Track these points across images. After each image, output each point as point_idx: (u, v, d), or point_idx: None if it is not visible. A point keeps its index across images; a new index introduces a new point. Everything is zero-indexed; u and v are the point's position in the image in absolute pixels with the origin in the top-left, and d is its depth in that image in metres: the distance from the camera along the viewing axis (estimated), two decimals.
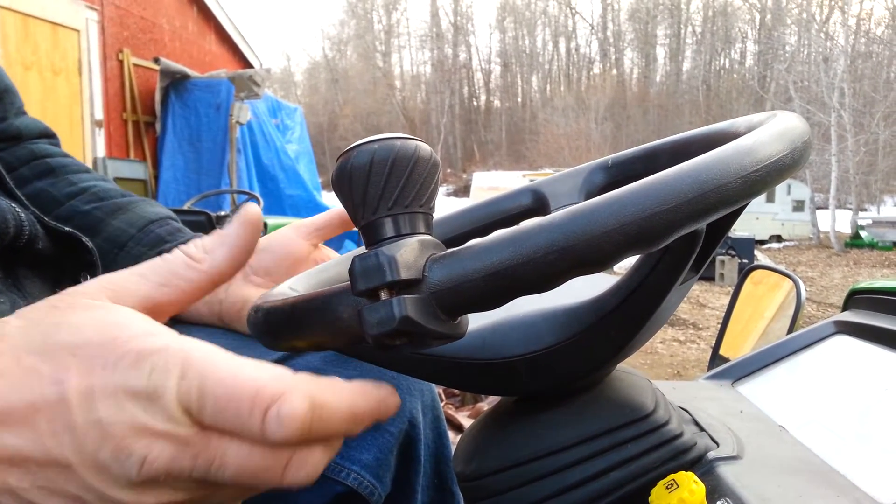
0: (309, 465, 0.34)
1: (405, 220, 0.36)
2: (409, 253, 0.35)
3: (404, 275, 0.34)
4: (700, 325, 6.83)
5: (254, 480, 0.33)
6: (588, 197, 0.57)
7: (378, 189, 0.36)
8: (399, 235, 0.36)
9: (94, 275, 0.69)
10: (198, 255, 0.38)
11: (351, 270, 0.35)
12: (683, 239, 0.39)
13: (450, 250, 0.36)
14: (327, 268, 0.59)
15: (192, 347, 0.33)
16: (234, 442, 0.33)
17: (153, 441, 0.32)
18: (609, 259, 0.33)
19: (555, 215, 0.34)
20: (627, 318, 0.46)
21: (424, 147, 0.38)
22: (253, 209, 0.39)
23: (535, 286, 0.34)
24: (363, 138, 0.38)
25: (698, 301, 8.37)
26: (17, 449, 0.32)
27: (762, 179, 0.35)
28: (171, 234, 0.76)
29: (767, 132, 0.38)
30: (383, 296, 0.34)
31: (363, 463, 0.72)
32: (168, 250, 0.74)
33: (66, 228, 0.65)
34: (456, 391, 2.71)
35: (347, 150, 0.37)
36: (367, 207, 0.37)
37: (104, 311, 0.35)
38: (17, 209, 0.62)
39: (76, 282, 0.68)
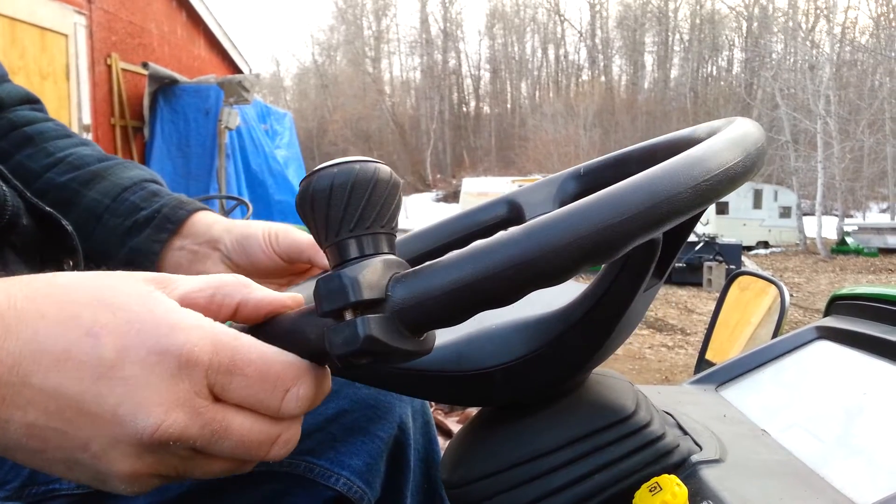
0: (290, 442, 0.39)
1: (368, 241, 0.37)
2: (371, 273, 0.36)
3: (367, 295, 0.35)
4: (688, 331, 6.86)
5: (246, 453, 0.37)
6: (562, 205, 0.58)
7: (339, 212, 0.37)
8: (362, 256, 0.37)
9: (75, 260, 0.68)
10: (245, 280, 0.41)
11: (315, 292, 0.36)
12: (642, 248, 0.40)
13: (412, 269, 0.37)
14: (305, 287, 0.59)
15: (221, 328, 0.37)
16: (240, 415, 0.37)
17: (172, 408, 0.34)
18: (566, 272, 0.34)
19: (513, 230, 0.35)
20: (594, 326, 0.47)
21: (384, 169, 0.39)
22: (299, 300, 0.42)
23: (495, 301, 0.35)
24: (324, 163, 0.38)
25: (686, 307, 8.42)
26: (41, 389, 0.34)
27: (713, 188, 0.36)
28: (146, 200, 0.74)
29: (719, 141, 0.39)
30: (348, 316, 0.35)
31: (353, 468, 0.73)
32: (143, 219, 0.72)
33: (47, 208, 0.64)
34: None
35: (308, 175, 0.38)
36: (330, 230, 0.37)
37: (147, 290, 0.38)
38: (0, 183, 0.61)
39: (59, 268, 0.67)
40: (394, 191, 0.39)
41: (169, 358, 0.35)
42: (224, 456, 0.37)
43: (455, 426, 2.32)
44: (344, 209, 0.37)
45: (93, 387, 0.34)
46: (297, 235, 0.70)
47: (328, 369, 0.41)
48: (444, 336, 0.53)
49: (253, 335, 0.40)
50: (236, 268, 0.70)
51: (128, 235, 0.72)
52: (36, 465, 0.36)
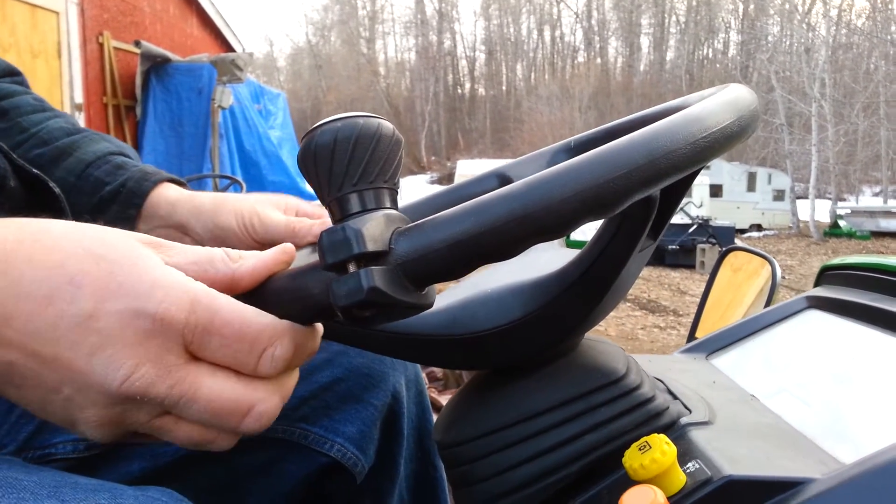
0: (265, 415, 0.38)
1: (370, 196, 0.38)
2: (375, 226, 0.36)
3: (371, 247, 0.35)
4: (680, 312, 6.90)
5: (215, 419, 0.37)
6: None
7: (342, 166, 0.37)
8: (365, 210, 0.37)
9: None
10: (234, 255, 0.41)
11: (319, 245, 0.36)
12: (639, 206, 0.41)
13: (414, 223, 0.37)
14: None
15: (200, 288, 0.37)
16: (213, 378, 0.37)
17: (142, 363, 0.35)
18: (566, 225, 0.34)
19: (513, 185, 0.35)
20: (590, 286, 0.47)
21: (387, 124, 0.39)
22: (291, 251, 0.42)
23: (497, 254, 0.35)
24: (327, 118, 0.39)
25: (679, 288, 8.46)
26: (22, 331, 0.35)
27: (710, 146, 0.37)
28: (110, 175, 0.72)
29: (715, 102, 0.40)
30: (351, 268, 0.35)
31: (347, 435, 0.74)
32: (108, 195, 0.70)
33: (34, 170, 0.64)
34: (438, 374, 2.74)
35: (311, 130, 0.38)
36: (333, 184, 0.38)
37: (136, 246, 0.38)
38: None
39: None
40: (396, 147, 0.39)
41: (145, 315, 0.35)
42: (193, 420, 0.37)
43: None
44: (347, 163, 0.37)
45: (69, 334, 0.35)
46: (271, 220, 0.69)
47: (315, 330, 0.41)
48: (438, 301, 0.53)
49: (251, 296, 0.40)
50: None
51: (96, 213, 0.71)
52: (15, 399, 0.37)
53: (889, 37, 22.33)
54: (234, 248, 0.66)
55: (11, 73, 0.81)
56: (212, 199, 0.72)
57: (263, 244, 0.68)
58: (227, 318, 0.37)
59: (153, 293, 0.36)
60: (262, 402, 0.38)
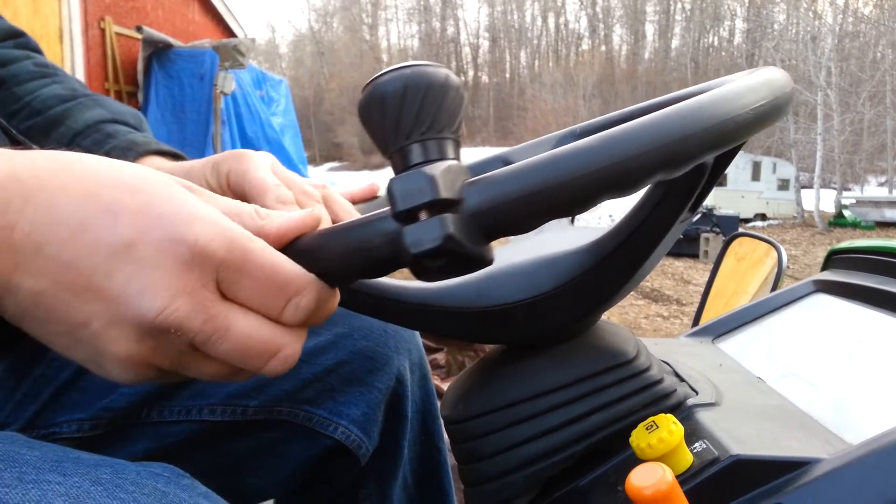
0: (289, 359, 0.38)
1: (436, 146, 0.37)
2: (447, 174, 0.35)
3: (445, 195, 0.34)
4: (683, 301, 6.90)
5: (242, 359, 0.37)
6: None
7: (412, 115, 0.37)
8: (429, 161, 0.36)
9: None
10: (263, 213, 0.40)
11: (389, 192, 0.35)
12: (688, 174, 0.40)
13: (484, 175, 0.36)
14: None
15: (236, 227, 0.37)
16: (244, 318, 0.36)
17: (178, 294, 0.34)
18: (637, 182, 0.34)
19: (588, 140, 0.34)
20: (629, 256, 0.47)
21: (453, 76, 0.38)
22: (318, 216, 0.41)
23: (567, 209, 0.34)
24: (389, 66, 0.38)
25: (682, 277, 8.46)
26: (55, 259, 0.34)
27: (767, 112, 0.38)
28: (97, 144, 0.70)
29: (766, 75, 0.40)
30: (423, 217, 0.34)
31: (351, 418, 0.74)
32: None
33: (33, 146, 0.63)
34: (441, 362, 2.74)
35: (376, 77, 0.37)
36: (400, 133, 0.37)
37: (171, 181, 0.38)
38: None
39: None
40: (461, 99, 0.38)
41: (183, 246, 0.34)
42: (220, 357, 0.37)
43: None
44: (417, 112, 0.36)
45: (105, 262, 0.34)
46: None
47: (336, 292, 0.40)
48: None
49: (291, 248, 0.39)
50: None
51: None
52: (41, 335, 0.36)
53: None
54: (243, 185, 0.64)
55: (14, 35, 0.78)
56: (185, 169, 0.67)
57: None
58: (261, 261, 0.36)
59: (193, 225, 0.35)
60: (289, 346, 0.38)
